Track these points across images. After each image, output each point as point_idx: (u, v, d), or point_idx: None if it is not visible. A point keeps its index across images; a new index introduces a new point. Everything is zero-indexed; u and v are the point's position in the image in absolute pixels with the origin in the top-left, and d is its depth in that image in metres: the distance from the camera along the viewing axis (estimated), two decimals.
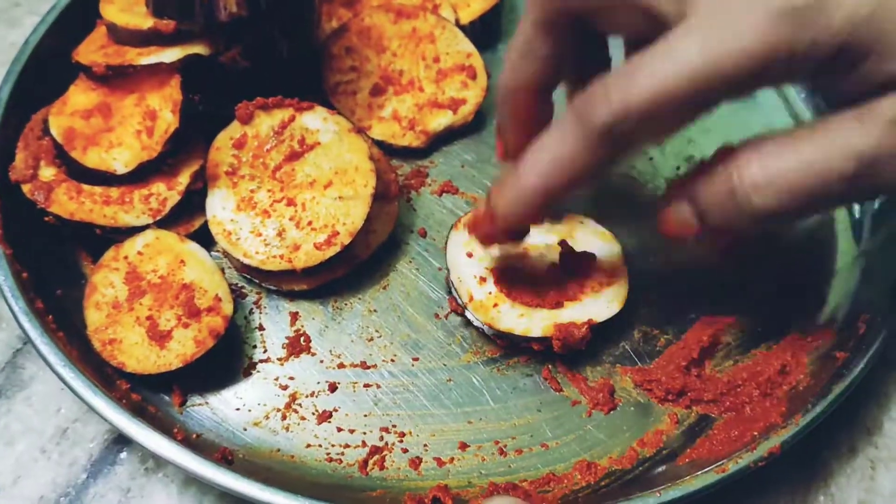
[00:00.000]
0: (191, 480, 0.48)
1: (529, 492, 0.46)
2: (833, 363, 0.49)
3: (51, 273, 0.52)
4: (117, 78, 0.55)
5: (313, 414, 0.50)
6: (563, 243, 0.53)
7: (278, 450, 0.48)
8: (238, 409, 0.50)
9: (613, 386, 0.51)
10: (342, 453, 0.48)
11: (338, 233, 0.53)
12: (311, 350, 0.53)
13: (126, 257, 0.52)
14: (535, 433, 0.50)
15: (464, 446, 0.49)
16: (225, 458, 0.46)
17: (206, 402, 0.50)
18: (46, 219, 0.53)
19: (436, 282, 0.56)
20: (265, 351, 0.52)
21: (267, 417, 0.50)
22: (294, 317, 0.54)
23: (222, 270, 0.52)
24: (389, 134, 0.61)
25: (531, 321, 0.51)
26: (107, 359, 0.48)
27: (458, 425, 0.50)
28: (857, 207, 0.59)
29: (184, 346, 0.48)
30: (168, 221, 0.54)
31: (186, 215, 0.55)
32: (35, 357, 0.52)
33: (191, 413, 0.49)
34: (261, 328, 0.53)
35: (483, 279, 0.52)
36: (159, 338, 0.49)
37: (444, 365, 0.52)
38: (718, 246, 0.57)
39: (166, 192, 0.54)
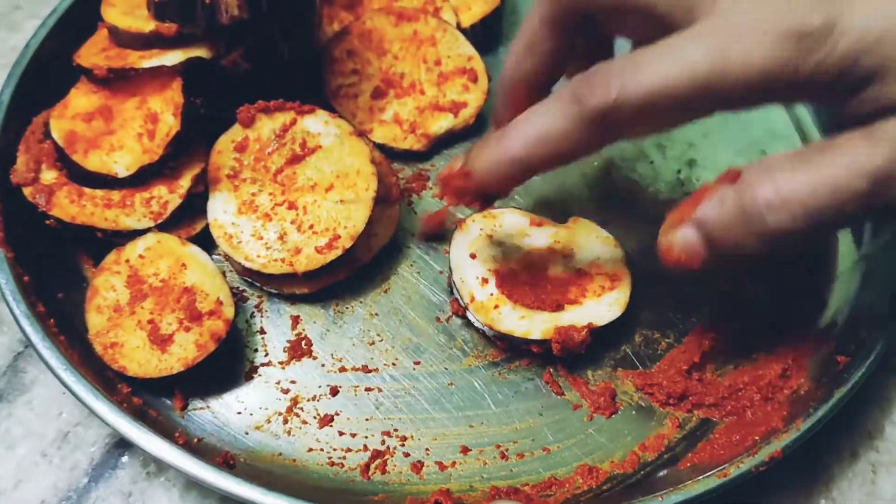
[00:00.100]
0: (192, 485, 0.48)
1: (531, 496, 0.46)
2: (834, 367, 0.49)
3: (52, 276, 0.52)
4: (119, 81, 0.54)
5: (315, 418, 0.50)
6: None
7: (280, 454, 0.48)
8: (239, 413, 0.50)
9: (615, 390, 0.51)
10: (344, 457, 0.48)
11: (339, 236, 0.53)
12: (313, 354, 0.52)
13: (127, 261, 0.52)
14: (536, 437, 0.50)
15: (465, 450, 0.49)
16: (226, 462, 0.46)
17: (208, 406, 0.50)
18: (48, 222, 0.53)
19: (437, 285, 0.56)
20: (266, 355, 0.52)
21: (268, 421, 0.50)
22: (295, 320, 0.54)
23: (223, 274, 0.52)
24: (391, 137, 0.61)
25: (532, 323, 0.51)
26: (108, 362, 0.48)
27: (460, 429, 0.50)
28: None
29: (185, 350, 0.48)
30: (169, 225, 0.54)
31: (188, 219, 0.55)
32: (36, 361, 0.52)
33: (192, 417, 0.49)
34: (262, 332, 0.53)
35: (485, 280, 0.52)
36: (161, 341, 0.49)
37: (446, 369, 0.52)
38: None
39: (167, 196, 0.54)
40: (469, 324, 0.54)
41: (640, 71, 0.39)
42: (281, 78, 0.59)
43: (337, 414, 0.50)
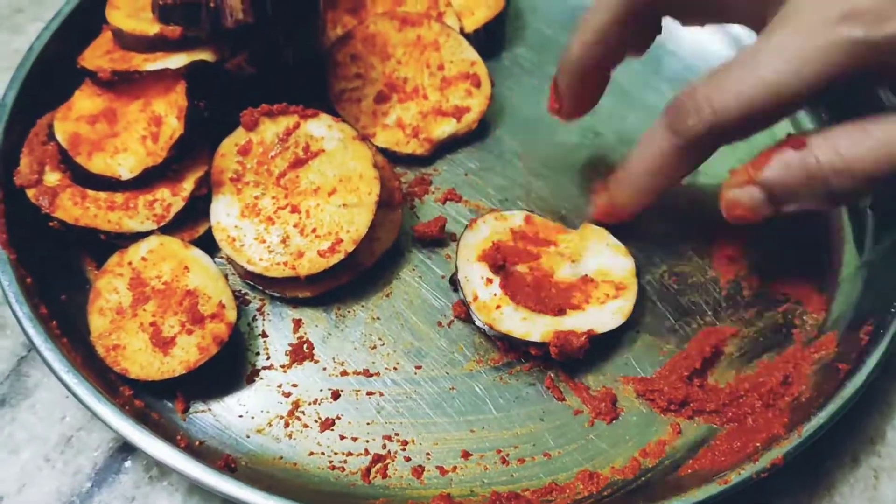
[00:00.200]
0: (195, 488, 0.48)
1: (531, 501, 0.46)
2: (835, 373, 0.49)
3: (55, 278, 0.52)
4: (123, 83, 0.55)
5: (316, 421, 0.50)
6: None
7: (281, 457, 0.48)
8: (241, 417, 0.50)
9: (616, 395, 0.51)
10: (345, 461, 0.48)
11: (342, 240, 0.53)
12: (315, 357, 0.53)
13: (130, 263, 0.52)
14: (537, 442, 0.50)
15: (466, 455, 0.49)
16: (228, 465, 0.46)
17: (209, 409, 0.50)
18: (51, 224, 0.53)
19: (439, 290, 0.56)
20: (268, 358, 0.52)
21: (270, 425, 0.50)
22: (297, 324, 0.54)
23: (226, 277, 0.52)
24: (393, 141, 0.61)
25: (532, 325, 0.51)
26: (110, 365, 0.48)
27: (461, 434, 0.50)
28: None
29: (187, 353, 0.48)
30: (172, 227, 0.54)
31: (191, 221, 0.55)
32: (39, 365, 0.52)
33: (194, 420, 0.49)
34: (264, 335, 0.53)
35: (490, 280, 0.53)
36: (163, 344, 0.49)
37: (447, 373, 0.52)
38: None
39: (171, 198, 0.54)
40: (471, 328, 0.54)
41: (723, 92, 0.44)
42: (285, 82, 0.59)
43: (338, 418, 0.50)
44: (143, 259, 0.52)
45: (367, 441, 0.49)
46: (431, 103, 0.62)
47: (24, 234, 0.52)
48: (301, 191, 0.55)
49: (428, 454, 0.49)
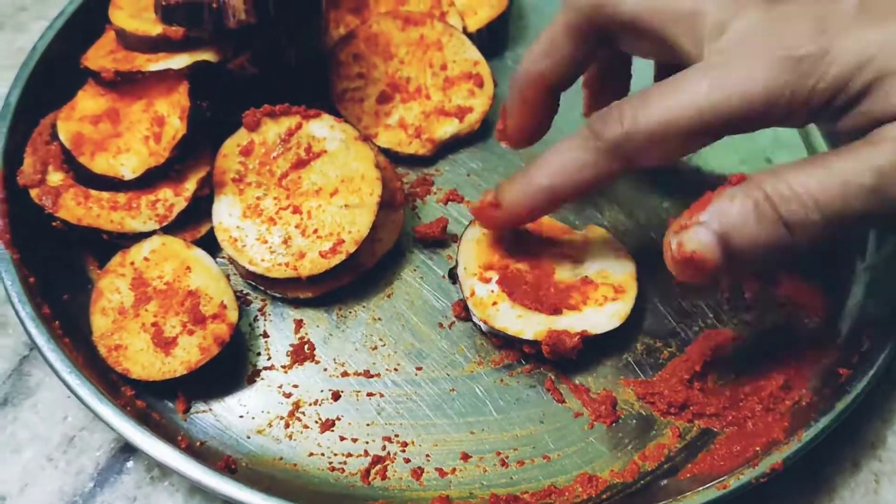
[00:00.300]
0: (196, 489, 0.48)
1: None
2: (836, 378, 0.48)
3: (58, 278, 0.52)
4: (126, 84, 0.55)
5: (316, 422, 0.50)
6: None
7: (281, 458, 0.49)
8: (242, 417, 0.50)
9: (616, 398, 0.51)
10: (344, 462, 0.49)
11: (343, 241, 0.53)
12: (315, 358, 0.53)
13: (132, 263, 0.52)
14: (537, 445, 0.50)
15: (466, 457, 0.49)
16: (228, 466, 0.47)
17: (210, 409, 0.50)
18: (54, 224, 0.53)
19: (440, 291, 0.56)
20: (269, 358, 0.53)
21: (270, 425, 0.50)
22: (298, 324, 0.54)
23: (228, 277, 0.52)
24: (396, 142, 0.61)
25: (527, 323, 0.51)
26: (112, 365, 0.48)
27: (461, 436, 0.50)
28: None
29: (189, 353, 0.49)
30: (174, 227, 0.54)
31: (193, 221, 0.55)
32: (41, 364, 0.52)
33: (195, 420, 0.50)
34: (265, 335, 0.53)
35: (488, 277, 0.53)
36: (164, 344, 0.49)
37: (448, 375, 0.52)
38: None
39: (173, 199, 0.54)
40: (472, 330, 0.54)
41: (648, 106, 0.43)
42: (287, 82, 0.59)
43: (338, 419, 0.50)
44: (146, 259, 0.52)
45: (367, 442, 0.49)
46: (434, 103, 0.62)
47: (27, 234, 0.52)
48: (303, 191, 0.55)
49: (427, 456, 0.49)
